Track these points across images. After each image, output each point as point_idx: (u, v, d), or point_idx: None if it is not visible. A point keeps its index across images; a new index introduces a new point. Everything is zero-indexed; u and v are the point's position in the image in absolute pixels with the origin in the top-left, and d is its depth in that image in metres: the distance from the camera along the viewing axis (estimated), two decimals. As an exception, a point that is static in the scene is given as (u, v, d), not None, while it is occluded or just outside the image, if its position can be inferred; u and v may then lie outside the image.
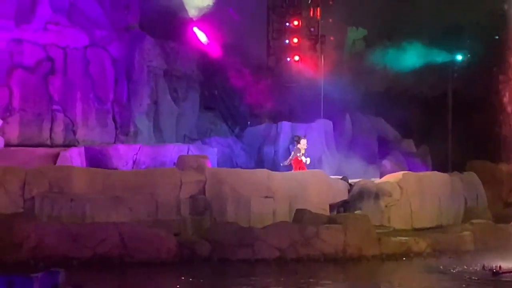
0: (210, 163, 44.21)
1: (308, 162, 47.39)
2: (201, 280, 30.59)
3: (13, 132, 47.94)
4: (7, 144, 46.61)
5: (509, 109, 39.11)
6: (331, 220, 40.68)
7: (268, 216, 40.70)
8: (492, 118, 40.32)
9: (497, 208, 44.50)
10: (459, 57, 61.43)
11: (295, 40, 59.32)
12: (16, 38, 49.53)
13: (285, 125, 51.52)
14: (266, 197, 41.65)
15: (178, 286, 29.12)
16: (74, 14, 51.38)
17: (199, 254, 35.95)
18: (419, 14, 59.55)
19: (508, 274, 32.02)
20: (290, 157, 48.03)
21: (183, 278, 30.55)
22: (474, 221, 43.85)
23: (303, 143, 48.08)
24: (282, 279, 31.07)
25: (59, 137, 49.34)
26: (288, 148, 50.38)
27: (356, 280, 33.35)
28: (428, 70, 59.09)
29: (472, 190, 47.13)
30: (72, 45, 50.93)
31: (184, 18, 56.28)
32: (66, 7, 51.12)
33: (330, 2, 61.41)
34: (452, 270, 33.82)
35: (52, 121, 50.00)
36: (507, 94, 38.67)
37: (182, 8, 56.28)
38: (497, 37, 48.53)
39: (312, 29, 60.17)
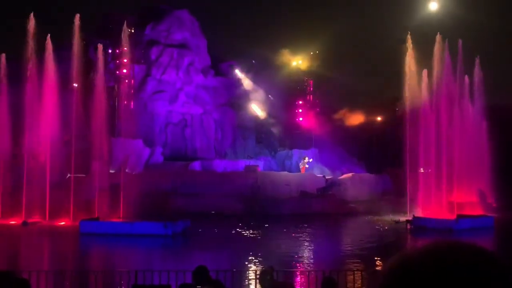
0: (260, 169, 45.52)
1: (307, 166, 48.22)
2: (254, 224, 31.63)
3: (167, 153, 48.97)
4: (165, 159, 47.72)
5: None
6: (317, 196, 41.70)
7: (287, 194, 41.35)
8: (397, 146, 39.31)
9: (397, 191, 43.71)
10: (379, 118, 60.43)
11: (300, 110, 59.60)
12: (169, 109, 51.25)
13: (296, 151, 52.11)
14: (286, 185, 42.74)
15: (241, 226, 30.10)
16: (196, 99, 52.89)
17: (254, 211, 37.24)
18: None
19: (400, 222, 32.86)
20: (300, 165, 48.92)
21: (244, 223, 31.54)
22: (385, 197, 44.40)
23: (306, 160, 48.99)
24: (294, 224, 31.87)
25: (189, 156, 50.52)
26: (297, 162, 50.90)
27: (330, 224, 34.18)
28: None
29: (385, 182, 47.31)
30: (195, 113, 52.41)
31: (247, 99, 56.76)
32: (192, 95, 52.70)
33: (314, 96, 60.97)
34: (376, 219, 34.97)
35: (186, 148, 51.47)
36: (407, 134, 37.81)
37: (247, 97, 56.89)
38: (397, 109, 48.29)
39: (308, 105, 60.07)
